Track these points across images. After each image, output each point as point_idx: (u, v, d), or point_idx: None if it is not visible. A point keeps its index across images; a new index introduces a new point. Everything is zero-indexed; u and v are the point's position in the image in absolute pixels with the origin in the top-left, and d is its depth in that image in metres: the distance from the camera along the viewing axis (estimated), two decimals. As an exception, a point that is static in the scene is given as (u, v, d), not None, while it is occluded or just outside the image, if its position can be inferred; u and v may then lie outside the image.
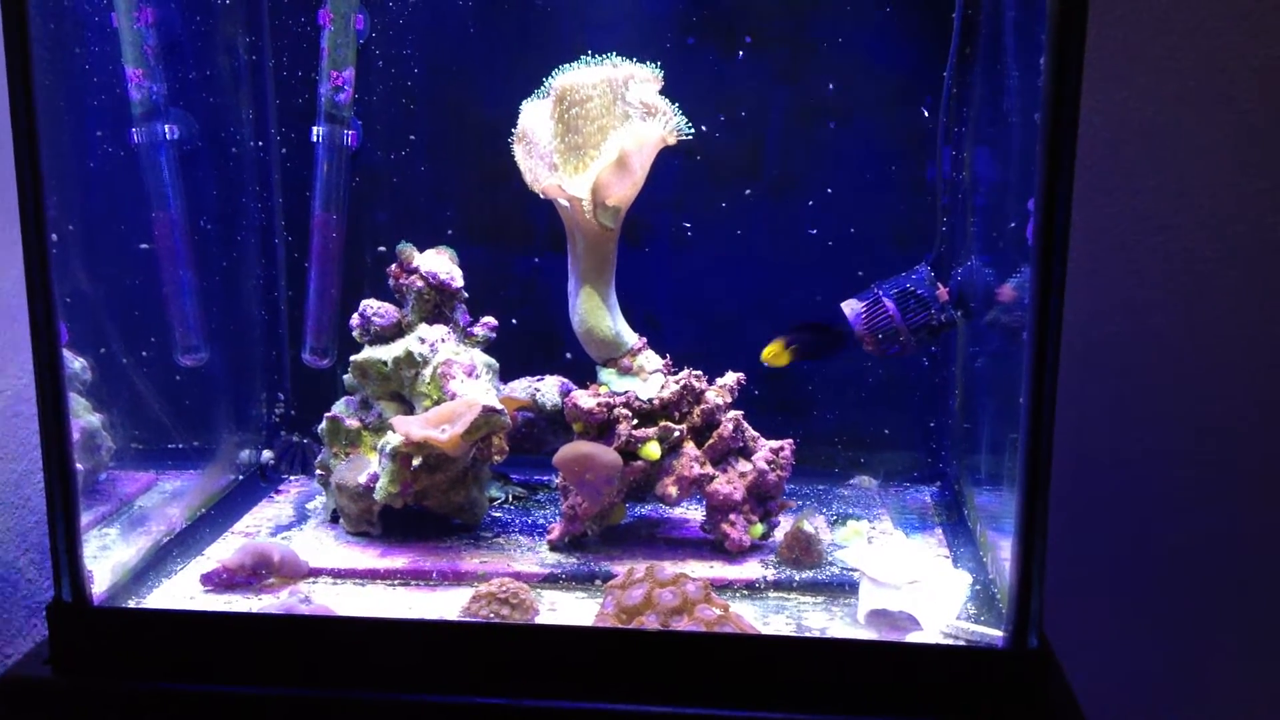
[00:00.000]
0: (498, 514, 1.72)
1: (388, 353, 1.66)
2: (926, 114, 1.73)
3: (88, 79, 1.61)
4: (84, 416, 1.61)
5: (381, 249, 1.80)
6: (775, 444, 1.61)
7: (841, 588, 1.48)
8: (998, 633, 1.27)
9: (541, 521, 1.69)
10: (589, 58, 1.60)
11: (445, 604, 1.44)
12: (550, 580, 1.51)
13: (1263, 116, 1.66)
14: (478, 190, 1.87)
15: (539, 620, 1.39)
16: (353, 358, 1.69)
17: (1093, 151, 1.68)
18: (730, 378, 1.63)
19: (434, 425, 1.51)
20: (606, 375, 1.63)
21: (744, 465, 1.59)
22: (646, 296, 1.80)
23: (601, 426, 1.58)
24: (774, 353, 1.66)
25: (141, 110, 1.65)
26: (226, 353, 1.81)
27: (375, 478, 1.58)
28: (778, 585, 1.50)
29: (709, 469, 1.58)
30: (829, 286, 1.72)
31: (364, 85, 1.79)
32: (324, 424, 1.70)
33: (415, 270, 1.67)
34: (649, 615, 1.31)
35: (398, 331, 1.69)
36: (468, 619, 1.37)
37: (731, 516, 1.57)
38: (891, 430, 1.88)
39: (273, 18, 1.82)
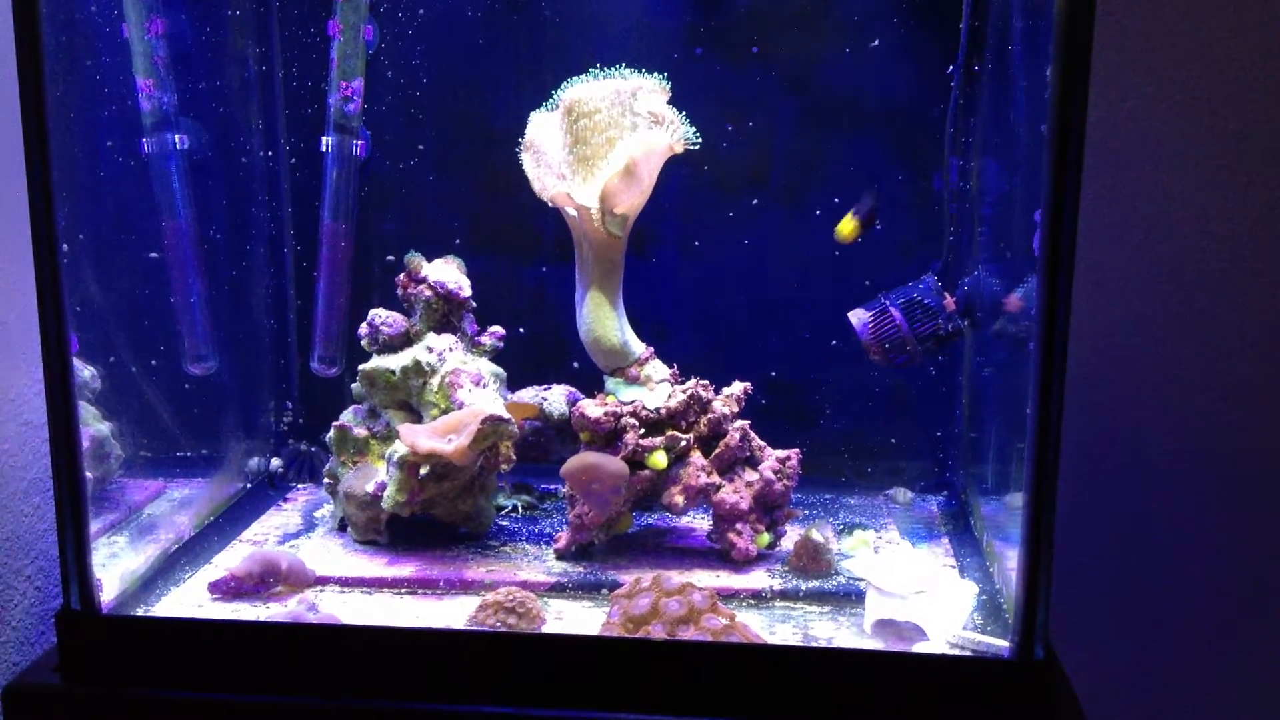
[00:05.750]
0: (504, 523, 1.72)
1: (396, 362, 1.66)
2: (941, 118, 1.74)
3: (99, 89, 1.62)
4: (93, 425, 1.61)
5: (390, 258, 1.81)
6: (782, 453, 1.61)
7: (848, 597, 1.48)
8: (1004, 643, 1.27)
9: (548, 530, 1.69)
10: (597, 70, 1.60)
11: (452, 613, 1.44)
12: (557, 589, 1.51)
13: (1269, 128, 1.66)
14: (486, 200, 1.88)
15: (546, 629, 1.39)
16: (361, 367, 1.69)
17: (1099, 161, 1.68)
18: (737, 387, 1.63)
19: (441, 434, 1.52)
20: (614, 384, 1.63)
21: (751, 475, 1.59)
22: (654, 306, 1.80)
23: (608, 436, 1.58)
24: (849, 228, 1.65)
25: (152, 120, 1.65)
26: (235, 361, 1.81)
27: (383, 486, 1.58)
28: (784, 595, 1.49)
29: (716, 478, 1.58)
30: (836, 296, 1.72)
31: (373, 95, 1.80)
32: (332, 432, 1.70)
33: (423, 280, 1.68)
34: (655, 624, 1.31)
35: (406, 340, 1.69)
36: (474, 628, 1.37)
37: (738, 526, 1.57)
38: (898, 440, 1.88)
39: (282, 28, 1.83)
